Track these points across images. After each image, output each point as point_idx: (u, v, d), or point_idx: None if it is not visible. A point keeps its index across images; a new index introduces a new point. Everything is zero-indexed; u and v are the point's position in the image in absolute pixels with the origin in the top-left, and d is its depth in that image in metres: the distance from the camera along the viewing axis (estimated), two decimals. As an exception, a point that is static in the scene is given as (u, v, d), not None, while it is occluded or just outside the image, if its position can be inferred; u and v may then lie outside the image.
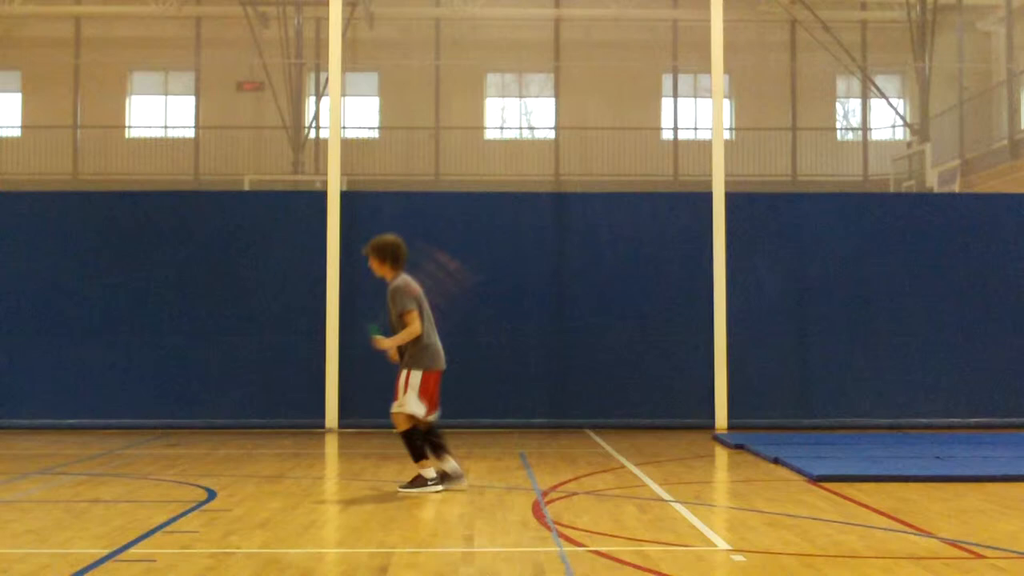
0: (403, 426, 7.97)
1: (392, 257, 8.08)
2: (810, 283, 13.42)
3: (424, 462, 8.03)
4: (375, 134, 28.12)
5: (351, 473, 9.38)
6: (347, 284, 12.76)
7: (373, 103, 28.22)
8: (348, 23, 22.83)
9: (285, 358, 12.94)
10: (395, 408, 7.99)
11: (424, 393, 7.95)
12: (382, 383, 12.26)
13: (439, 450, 8.11)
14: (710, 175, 13.29)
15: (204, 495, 7.92)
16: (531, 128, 28.86)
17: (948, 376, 13.28)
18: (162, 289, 13.17)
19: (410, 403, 7.93)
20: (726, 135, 26.31)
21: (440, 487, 8.02)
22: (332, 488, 8.70)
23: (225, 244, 13.32)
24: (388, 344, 7.96)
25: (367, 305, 11.21)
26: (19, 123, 27.83)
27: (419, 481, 8.02)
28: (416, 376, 7.95)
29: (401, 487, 8.08)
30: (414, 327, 7.91)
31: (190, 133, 27.91)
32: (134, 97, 28.34)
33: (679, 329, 13.22)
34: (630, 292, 13.30)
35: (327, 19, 13.82)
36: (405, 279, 8.07)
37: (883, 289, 13.40)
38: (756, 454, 10.35)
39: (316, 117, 26.38)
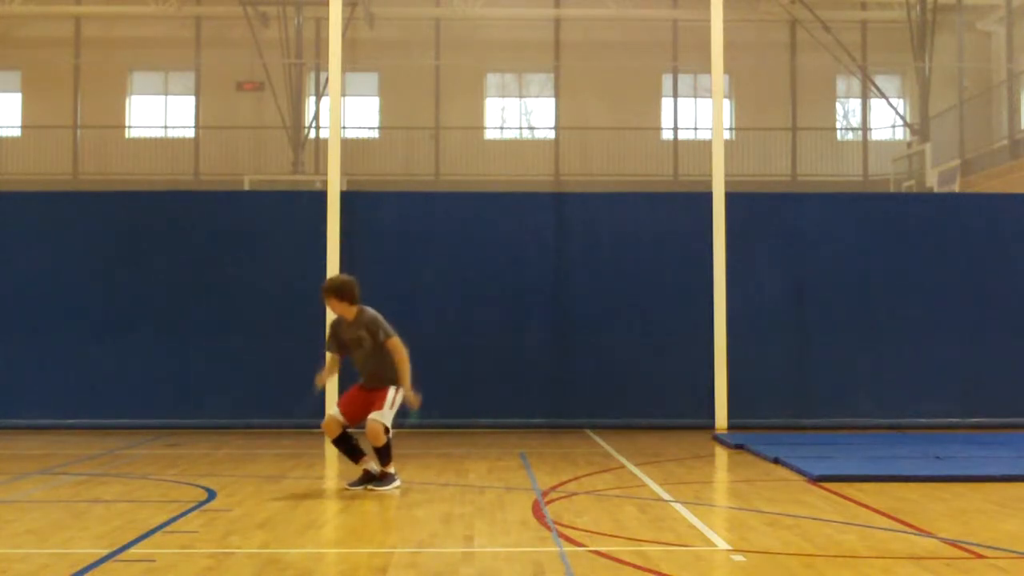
0: (382, 439, 8.18)
1: (351, 295, 8.38)
2: (810, 283, 13.41)
3: (390, 464, 8.33)
4: (375, 134, 28.12)
5: (351, 473, 9.37)
6: (347, 284, 12.73)
7: (373, 103, 28.21)
8: (348, 23, 22.82)
9: (285, 358, 12.92)
10: (375, 417, 8.13)
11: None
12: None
13: (359, 454, 8.41)
14: (710, 175, 13.28)
15: (204, 495, 7.92)
16: (531, 128, 28.86)
17: (948, 376, 13.28)
18: (162, 289, 13.17)
19: (388, 417, 8.22)
20: (726, 135, 26.29)
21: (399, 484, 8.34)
22: (332, 488, 8.70)
23: (225, 244, 13.32)
24: (411, 392, 8.32)
25: (367, 304, 11.19)
26: (19, 123, 27.82)
27: (389, 479, 8.28)
28: (400, 394, 8.31)
29: (374, 487, 8.24)
30: (404, 351, 8.32)
31: (190, 133, 27.90)
32: (134, 97, 28.33)
33: (679, 329, 13.21)
34: (630, 292, 13.29)
35: (327, 19, 13.82)
36: (372, 310, 8.42)
37: (883, 289, 13.40)
38: (756, 454, 10.35)
39: (316, 117, 26.37)
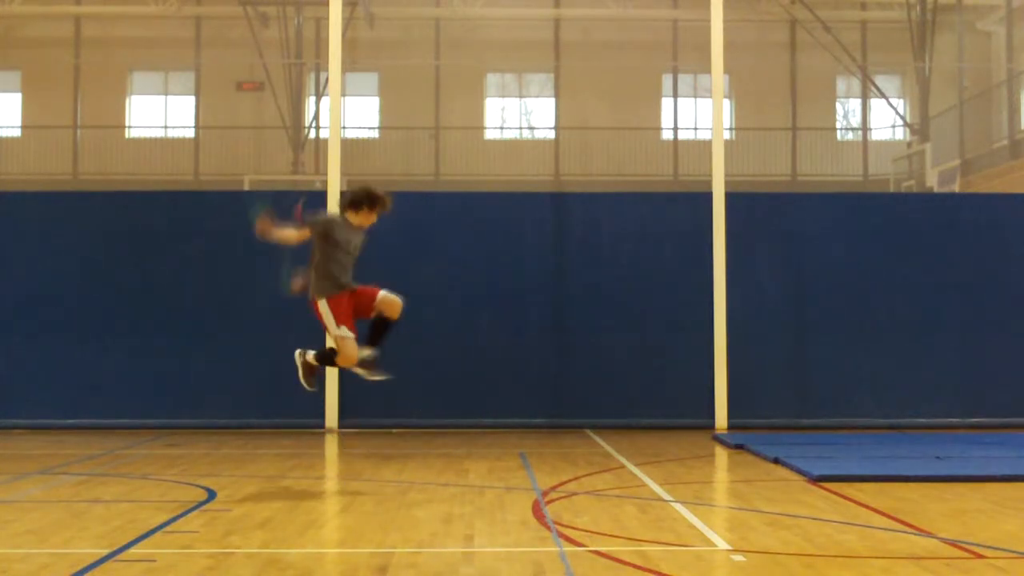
0: None
1: None
2: (810, 283, 13.41)
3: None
4: (375, 134, 28.12)
5: (351, 473, 9.38)
6: (347, 284, 12.73)
7: (373, 103, 28.22)
8: (348, 23, 22.83)
9: (285, 358, 12.87)
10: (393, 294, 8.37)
11: None
12: (382, 383, 12.24)
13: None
14: (710, 175, 13.29)
15: (204, 495, 7.92)
16: (531, 128, 28.86)
17: (948, 376, 13.28)
18: (162, 289, 13.17)
19: None
20: (726, 135, 26.29)
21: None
22: (332, 488, 8.70)
23: (225, 244, 13.31)
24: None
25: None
26: (19, 123, 27.82)
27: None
28: None
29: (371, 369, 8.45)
30: None
31: (190, 133, 27.91)
32: (134, 97, 28.34)
33: (679, 329, 13.21)
34: (630, 292, 13.30)
35: (327, 19, 13.82)
36: None
37: (883, 289, 13.40)
38: (756, 454, 10.35)
39: (316, 117, 26.38)
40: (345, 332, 8.22)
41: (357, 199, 8.37)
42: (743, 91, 27.87)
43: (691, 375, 13.04)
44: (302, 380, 8.70)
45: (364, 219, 8.39)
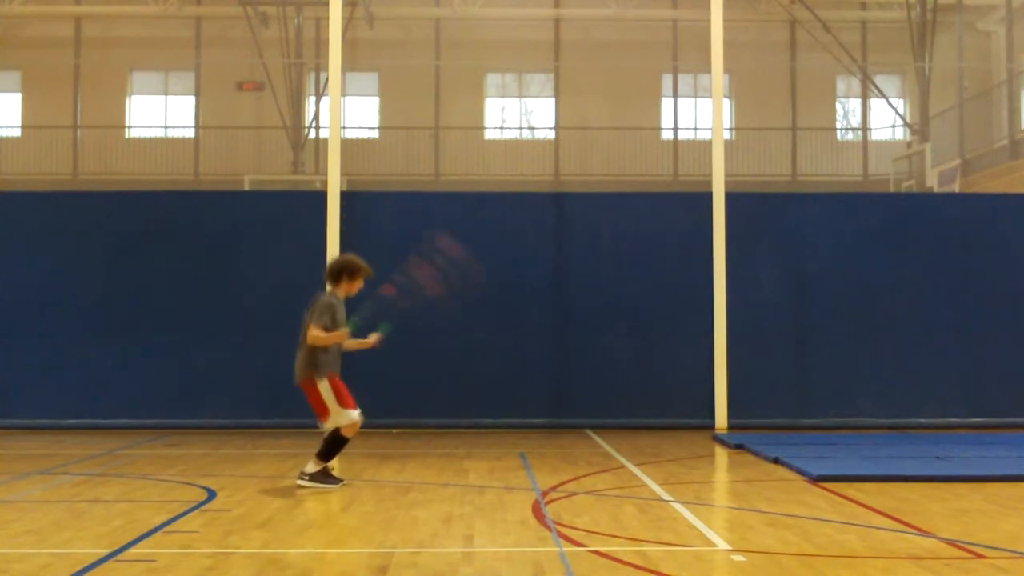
0: None
1: None
2: (810, 283, 13.41)
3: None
4: (375, 134, 28.12)
5: (351, 473, 9.37)
6: (347, 284, 12.72)
7: (373, 103, 28.22)
8: (348, 23, 22.82)
9: (285, 358, 12.86)
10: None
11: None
12: (381, 383, 12.28)
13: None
14: (710, 175, 13.29)
15: (204, 495, 7.92)
16: (531, 128, 28.85)
17: (948, 376, 13.28)
18: (162, 289, 13.17)
19: None
20: (726, 135, 26.30)
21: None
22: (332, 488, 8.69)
23: (225, 244, 13.32)
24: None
25: (365, 305, 11.18)
26: (19, 123, 27.82)
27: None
28: None
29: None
30: None
31: (190, 133, 27.91)
32: (134, 97, 28.34)
33: (679, 329, 13.21)
34: (630, 292, 13.30)
35: (327, 19, 13.82)
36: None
37: (883, 289, 13.40)
38: (756, 454, 10.35)
39: (316, 117, 26.38)
40: (352, 415, 8.21)
41: (338, 272, 8.44)
42: (743, 91, 27.86)
43: (691, 375, 13.05)
44: (332, 487, 8.35)
45: (349, 288, 8.45)
